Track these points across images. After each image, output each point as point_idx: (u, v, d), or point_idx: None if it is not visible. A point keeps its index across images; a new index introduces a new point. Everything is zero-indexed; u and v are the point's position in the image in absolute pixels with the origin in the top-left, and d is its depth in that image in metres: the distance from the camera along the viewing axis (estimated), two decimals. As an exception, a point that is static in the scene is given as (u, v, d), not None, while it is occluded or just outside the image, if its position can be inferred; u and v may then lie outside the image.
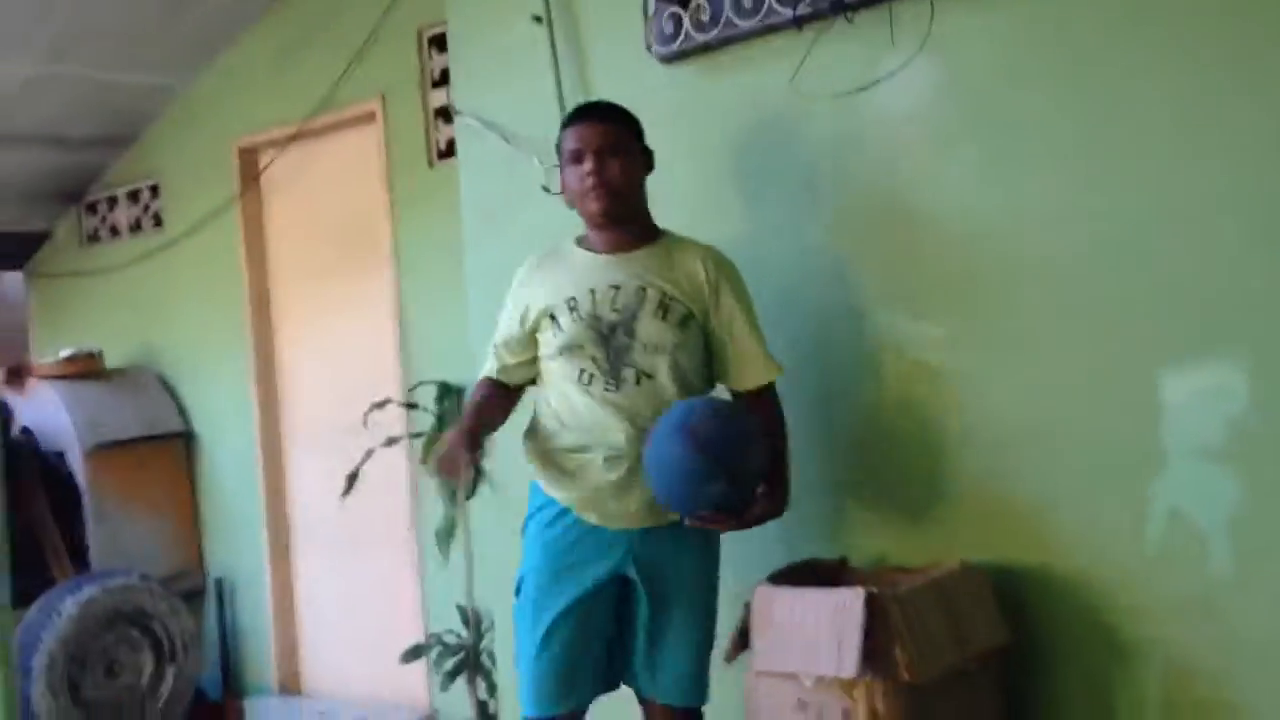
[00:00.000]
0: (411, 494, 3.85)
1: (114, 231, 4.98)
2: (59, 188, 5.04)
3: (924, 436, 2.26)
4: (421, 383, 3.66)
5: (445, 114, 3.60)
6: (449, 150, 3.56)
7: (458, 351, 3.30)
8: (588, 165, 2.18)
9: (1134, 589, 2.03)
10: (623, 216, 2.22)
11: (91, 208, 5.07)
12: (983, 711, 2.05)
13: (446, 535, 3.51)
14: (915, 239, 2.26)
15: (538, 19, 2.77)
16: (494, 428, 2.29)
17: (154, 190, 4.79)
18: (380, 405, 3.63)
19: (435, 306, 3.72)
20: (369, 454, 3.58)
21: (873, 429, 2.34)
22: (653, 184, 2.30)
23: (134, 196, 4.87)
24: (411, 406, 3.68)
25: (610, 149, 2.18)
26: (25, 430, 4.41)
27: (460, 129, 3.06)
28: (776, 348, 2.24)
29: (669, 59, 2.57)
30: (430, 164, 3.73)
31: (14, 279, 5.54)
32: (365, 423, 3.60)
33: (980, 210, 2.18)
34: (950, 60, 2.19)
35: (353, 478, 3.60)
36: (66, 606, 3.93)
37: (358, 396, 3.79)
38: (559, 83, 2.74)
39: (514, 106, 2.89)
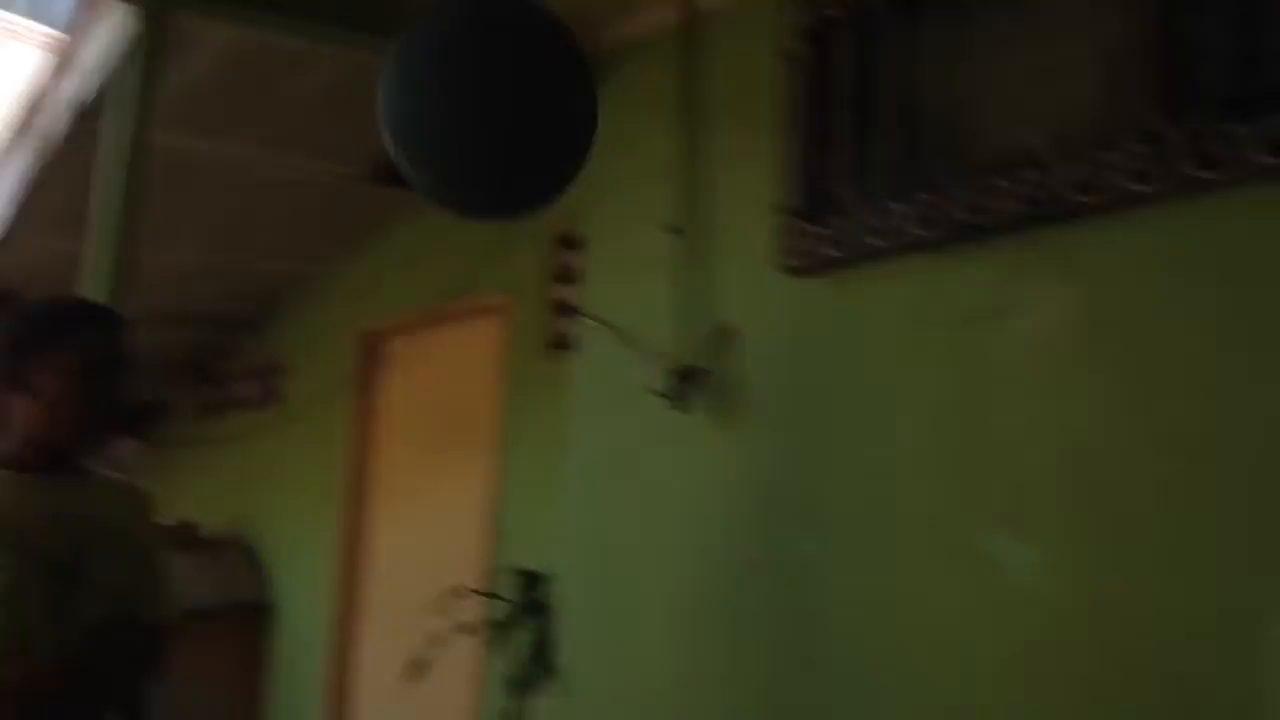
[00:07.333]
0: (476, 683, 3.72)
1: (232, 406, 5.16)
2: (184, 361, 5.29)
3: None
4: (506, 569, 3.60)
5: (564, 309, 3.70)
6: (563, 343, 3.64)
7: (548, 541, 3.26)
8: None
9: None
10: None
11: (214, 381, 5.28)
12: None
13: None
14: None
15: (676, 230, 2.88)
16: None
17: (277, 368, 4.98)
18: (458, 594, 3.56)
19: (532, 494, 3.71)
20: (438, 640, 3.49)
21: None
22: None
23: (256, 372, 5.07)
24: (490, 595, 3.61)
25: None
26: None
27: (581, 327, 3.14)
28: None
29: (799, 272, 2.61)
30: (545, 356, 3.81)
31: (124, 443, 5.74)
32: (442, 607, 3.53)
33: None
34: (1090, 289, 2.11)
35: (419, 664, 3.50)
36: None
37: (442, 577, 3.74)
38: (683, 291, 2.82)
39: (637, 309, 2.97)
